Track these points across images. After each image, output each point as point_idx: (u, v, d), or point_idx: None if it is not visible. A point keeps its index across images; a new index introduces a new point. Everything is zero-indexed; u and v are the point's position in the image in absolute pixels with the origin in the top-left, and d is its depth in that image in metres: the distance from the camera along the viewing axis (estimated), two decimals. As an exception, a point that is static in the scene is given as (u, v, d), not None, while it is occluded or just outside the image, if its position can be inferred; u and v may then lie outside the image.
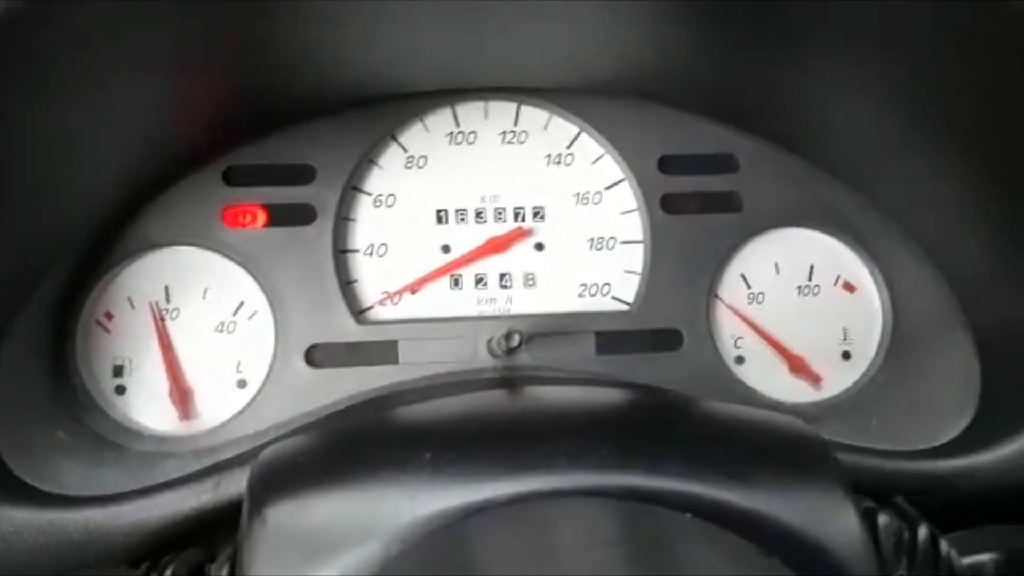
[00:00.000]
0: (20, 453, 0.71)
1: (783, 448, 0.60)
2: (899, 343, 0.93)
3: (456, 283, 0.93)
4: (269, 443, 0.63)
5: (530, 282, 0.94)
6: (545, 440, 0.56)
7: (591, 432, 0.59)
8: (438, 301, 0.93)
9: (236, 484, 0.67)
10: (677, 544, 0.47)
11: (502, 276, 0.94)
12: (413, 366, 0.88)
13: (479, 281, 0.94)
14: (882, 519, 0.61)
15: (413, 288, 0.92)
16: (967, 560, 0.60)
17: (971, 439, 0.78)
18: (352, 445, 0.60)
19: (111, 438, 0.83)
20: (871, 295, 0.95)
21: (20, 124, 0.67)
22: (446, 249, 0.93)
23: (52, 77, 0.65)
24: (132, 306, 0.87)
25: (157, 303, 0.87)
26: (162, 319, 0.87)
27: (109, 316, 0.87)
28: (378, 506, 0.51)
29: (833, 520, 0.54)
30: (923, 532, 0.60)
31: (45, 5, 0.57)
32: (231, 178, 0.90)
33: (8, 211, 0.72)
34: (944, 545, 0.60)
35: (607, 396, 0.69)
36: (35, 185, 0.74)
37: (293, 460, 0.59)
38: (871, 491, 0.62)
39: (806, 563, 0.51)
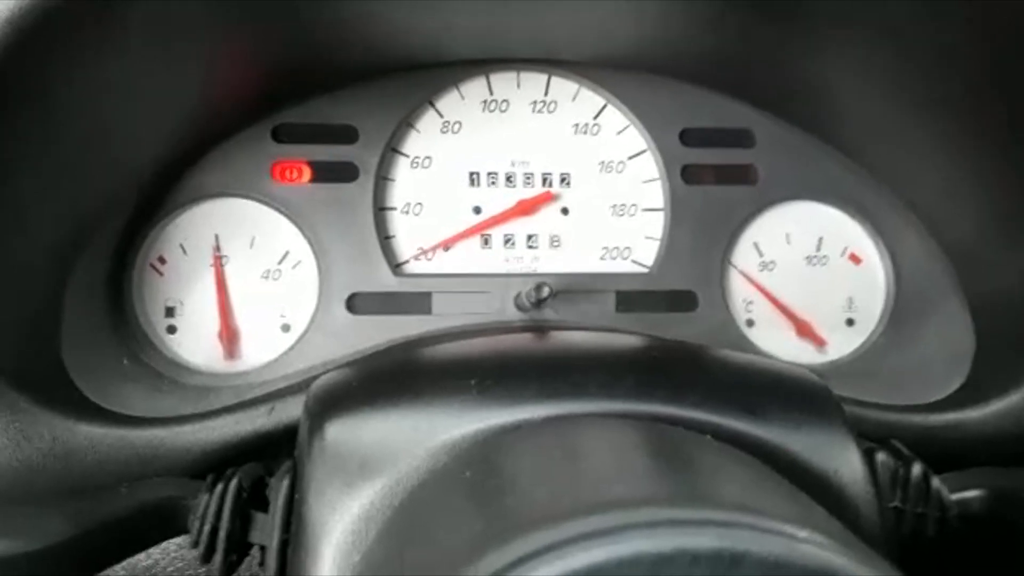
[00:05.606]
0: (90, 379, 0.78)
1: (792, 390, 0.66)
2: (900, 311, 0.99)
3: (486, 242, 0.99)
4: (316, 377, 0.69)
5: (555, 243, 1.00)
6: (577, 372, 0.62)
7: (617, 367, 0.65)
8: (469, 258, 0.99)
9: (288, 410, 0.73)
10: (695, 452, 0.53)
11: (529, 237, 1.00)
12: (445, 317, 0.95)
13: (507, 241, 0.99)
14: (880, 457, 0.66)
15: (446, 245, 0.98)
16: (956, 496, 0.66)
17: (963, 397, 0.83)
18: (403, 373, 0.66)
19: (165, 373, 0.89)
20: (875, 266, 1.01)
21: (92, 81, 0.73)
22: (477, 210, 0.99)
23: (122, 38, 0.71)
24: (184, 252, 0.93)
25: (215, 248, 0.93)
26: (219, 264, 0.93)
27: (162, 260, 0.93)
28: (428, 424, 0.57)
29: (837, 453, 0.60)
30: (916, 469, 0.66)
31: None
32: (280, 136, 0.95)
33: (76, 160, 0.78)
34: (936, 481, 0.65)
35: (631, 340, 0.75)
36: (100, 136, 0.80)
37: (348, 385, 0.64)
38: (869, 439, 0.67)
39: (811, 490, 0.56)
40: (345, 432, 0.58)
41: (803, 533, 0.39)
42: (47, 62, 0.67)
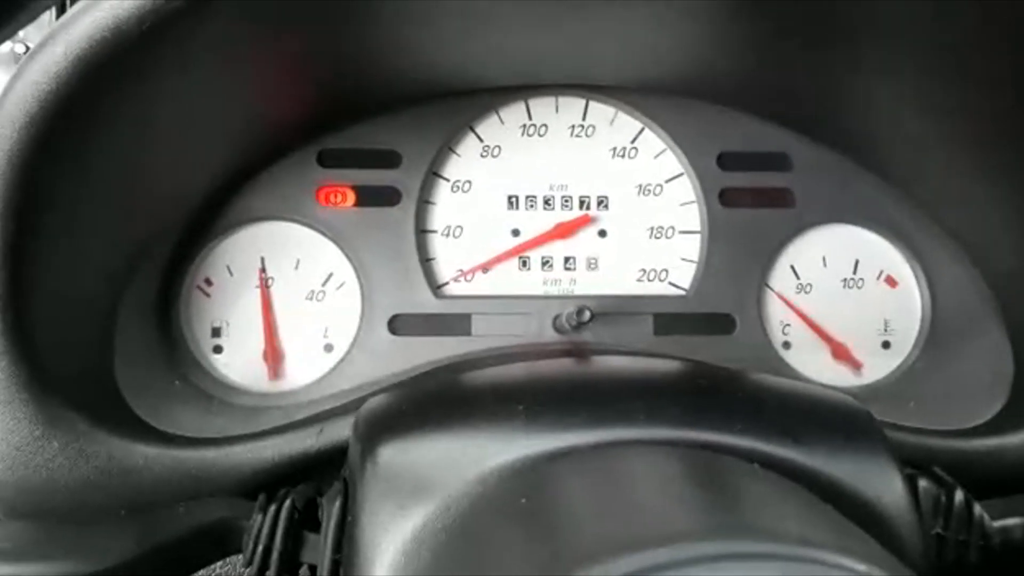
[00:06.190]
0: (142, 399, 0.79)
1: (835, 417, 0.66)
2: (937, 334, 0.99)
3: (524, 264, 1.01)
4: (364, 398, 0.70)
5: (593, 266, 1.01)
6: (624, 399, 0.63)
7: (664, 394, 0.66)
8: (507, 280, 1.00)
9: (337, 431, 0.73)
10: (747, 482, 0.54)
11: (567, 259, 1.01)
12: (485, 338, 0.96)
13: (545, 263, 1.01)
14: (922, 484, 0.67)
15: (485, 267, 1.00)
16: (998, 523, 0.66)
17: (1003, 422, 0.83)
18: (451, 397, 0.68)
19: (212, 393, 0.91)
20: (911, 289, 1.01)
21: (151, 110, 0.75)
22: (516, 233, 1.00)
23: (182, 68, 0.73)
24: (231, 273, 0.95)
25: (261, 270, 0.95)
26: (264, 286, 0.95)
27: (209, 282, 0.95)
28: (478, 448, 0.57)
29: (880, 480, 0.60)
30: (959, 496, 0.66)
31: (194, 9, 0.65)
32: (325, 160, 0.97)
33: (131, 187, 0.81)
34: (978, 508, 0.66)
35: (675, 366, 0.76)
36: (155, 164, 0.82)
37: (398, 408, 0.65)
38: (908, 464, 0.67)
39: (855, 517, 0.56)
40: (397, 455, 0.59)
41: (863, 567, 0.40)
42: (112, 93, 0.68)
